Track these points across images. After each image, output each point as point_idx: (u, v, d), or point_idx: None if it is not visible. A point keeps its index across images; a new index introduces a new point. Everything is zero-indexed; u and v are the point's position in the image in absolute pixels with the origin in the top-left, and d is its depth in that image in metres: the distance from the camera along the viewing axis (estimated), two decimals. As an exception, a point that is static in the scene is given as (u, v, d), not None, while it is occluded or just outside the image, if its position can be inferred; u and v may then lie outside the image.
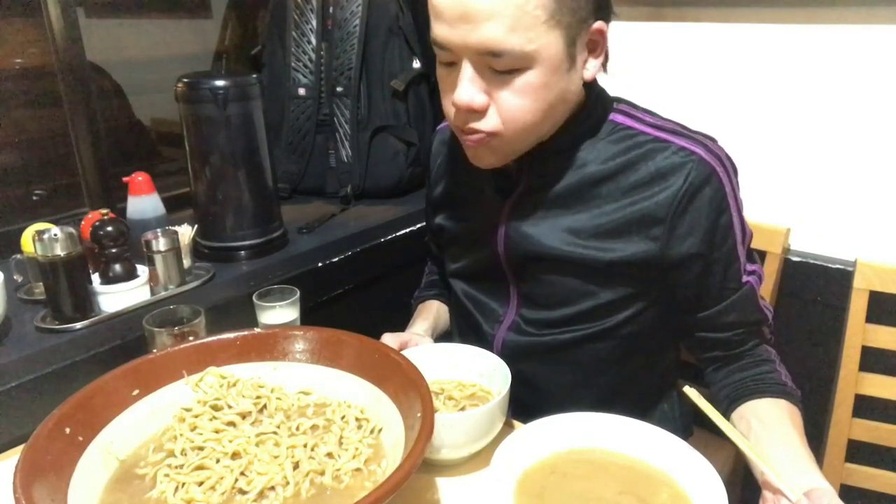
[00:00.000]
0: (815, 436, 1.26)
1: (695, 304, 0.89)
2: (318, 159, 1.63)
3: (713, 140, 0.86)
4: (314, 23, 1.57)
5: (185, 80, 1.22)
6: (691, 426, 1.06)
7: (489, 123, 0.79)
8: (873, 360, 1.12)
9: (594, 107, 0.87)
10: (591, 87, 0.86)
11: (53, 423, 0.69)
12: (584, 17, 0.77)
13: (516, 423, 0.89)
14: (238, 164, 1.25)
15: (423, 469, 0.79)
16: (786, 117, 1.24)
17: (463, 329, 1.06)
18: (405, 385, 0.75)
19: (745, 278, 0.87)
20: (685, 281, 0.87)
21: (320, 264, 1.34)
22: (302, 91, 1.59)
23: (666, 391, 1.03)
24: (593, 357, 0.94)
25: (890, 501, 1.15)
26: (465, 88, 0.77)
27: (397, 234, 1.49)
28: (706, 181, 0.81)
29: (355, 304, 1.44)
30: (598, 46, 0.81)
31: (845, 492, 1.17)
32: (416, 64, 1.61)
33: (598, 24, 0.79)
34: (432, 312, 1.13)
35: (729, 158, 0.85)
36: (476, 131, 0.80)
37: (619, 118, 0.87)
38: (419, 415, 0.68)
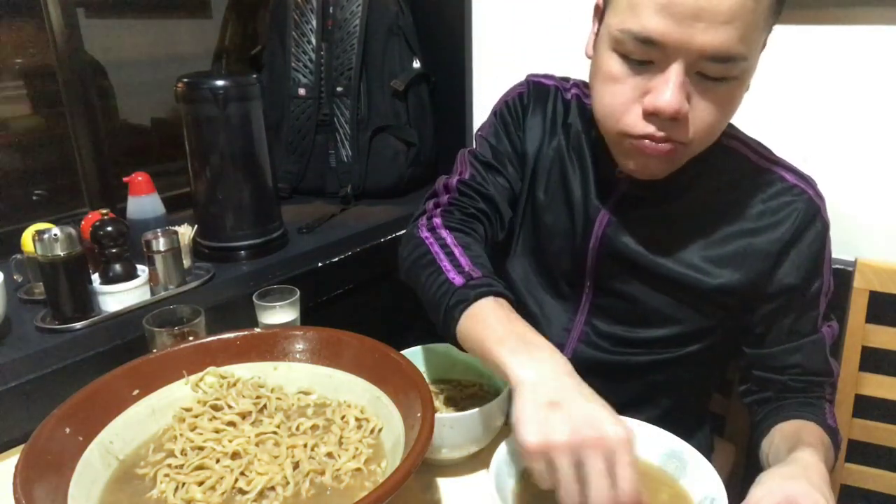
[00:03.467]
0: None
1: (763, 338, 0.86)
2: (318, 159, 1.63)
3: (811, 178, 0.85)
4: (314, 23, 1.57)
5: (185, 80, 1.22)
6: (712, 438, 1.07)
7: (680, 134, 0.71)
8: (873, 361, 1.12)
9: None
10: None
11: (53, 423, 0.68)
12: (774, 23, 0.72)
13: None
14: (238, 164, 1.25)
15: (423, 469, 0.79)
16: (785, 117, 1.24)
17: None
18: (405, 385, 0.75)
19: (821, 327, 0.85)
20: (765, 313, 0.84)
21: (320, 264, 1.34)
22: (302, 91, 1.59)
23: (704, 414, 1.05)
24: (663, 380, 0.92)
25: (890, 501, 1.15)
26: (676, 94, 0.68)
27: (397, 234, 1.49)
28: (812, 220, 0.81)
29: (355, 304, 1.44)
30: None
31: (845, 492, 1.17)
32: (416, 64, 1.61)
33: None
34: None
35: (823, 197, 0.84)
36: (668, 140, 0.72)
37: (734, 144, 0.84)
38: (419, 415, 0.68)
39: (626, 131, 0.73)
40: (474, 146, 0.97)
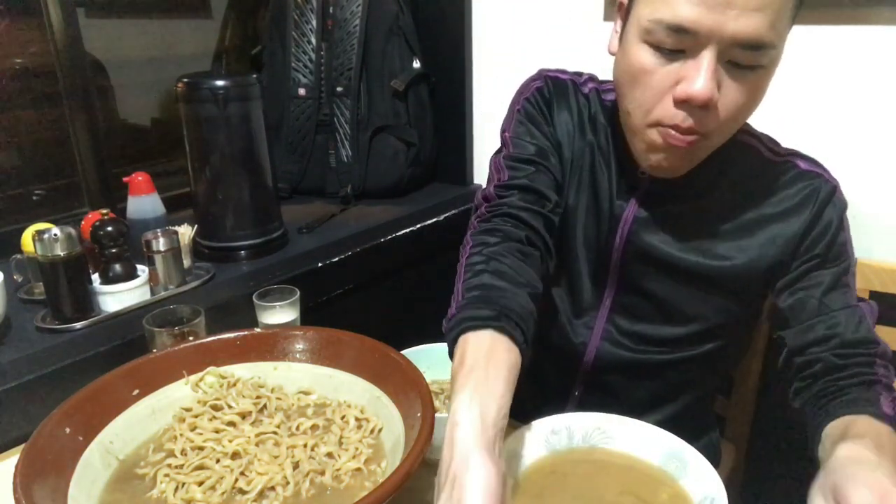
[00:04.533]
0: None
1: (795, 314, 0.82)
2: (318, 159, 1.63)
3: (823, 165, 0.86)
4: (314, 23, 1.57)
5: (185, 80, 1.22)
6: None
7: (710, 123, 0.72)
8: (873, 360, 1.12)
9: None
10: None
11: (53, 423, 0.69)
12: (796, 14, 0.72)
13: (516, 423, 0.89)
14: (238, 164, 1.25)
15: (424, 469, 0.79)
16: (785, 117, 1.24)
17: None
18: (405, 385, 0.75)
19: (856, 302, 0.81)
20: (792, 289, 0.82)
21: (320, 264, 1.34)
22: (302, 91, 1.59)
23: (713, 415, 1.07)
24: (680, 379, 0.93)
25: (890, 501, 1.15)
26: (708, 81, 0.68)
27: (397, 234, 1.49)
28: (830, 199, 0.82)
29: (355, 304, 1.44)
30: None
31: (845, 492, 1.17)
32: (416, 64, 1.61)
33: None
34: (508, 364, 0.65)
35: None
36: (694, 131, 0.72)
37: (747, 139, 0.86)
38: (419, 415, 0.68)
39: (657, 121, 0.73)
40: (503, 148, 0.92)
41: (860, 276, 1.09)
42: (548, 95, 0.91)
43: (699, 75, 0.68)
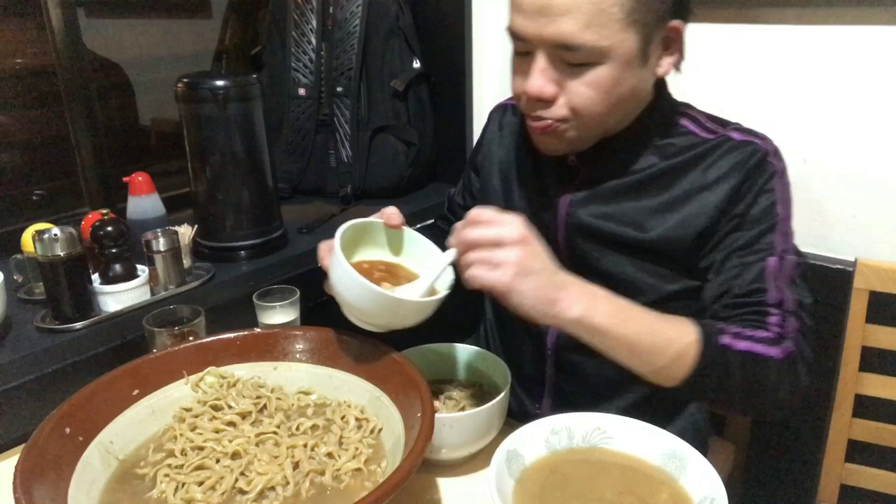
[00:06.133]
0: (815, 436, 1.26)
1: (710, 275, 0.85)
2: (318, 159, 1.63)
3: (769, 138, 0.88)
4: (314, 23, 1.57)
5: (185, 80, 1.22)
6: (711, 430, 1.06)
7: (556, 113, 0.81)
8: (873, 361, 1.12)
9: (663, 109, 0.89)
10: (661, 90, 0.89)
11: (53, 423, 0.69)
12: (661, 16, 0.78)
13: (516, 423, 0.89)
14: (238, 164, 1.25)
15: (423, 469, 0.79)
16: (786, 117, 1.24)
17: (503, 317, 1.05)
18: (405, 385, 0.75)
19: (771, 258, 0.82)
20: (716, 254, 0.85)
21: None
22: (302, 91, 1.59)
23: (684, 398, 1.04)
24: None
25: (890, 501, 1.15)
26: (537, 79, 0.79)
27: (397, 234, 1.49)
28: (760, 163, 0.84)
29: (355, 304, 1.43)
30: (672, 44, 0.83)
31: (845, 492, 1.17)
32: (416, 64, 1.61)
33: (675, 23, 0.80)
34: None
35: (781, 154, 0.87)
36: (542, 119, 0.82)
37: (684, 121, 0.89)
38: (419, 415, 0.68)
39: (524, 111, 0.85)
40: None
41: (860, 275, 1.09)
42: (484, 129, 1.08)
43: (530, 74, 0.80)
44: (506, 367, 0.87)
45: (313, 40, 1.57)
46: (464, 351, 0.93)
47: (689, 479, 0.68)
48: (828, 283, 1.21)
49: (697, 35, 1.30)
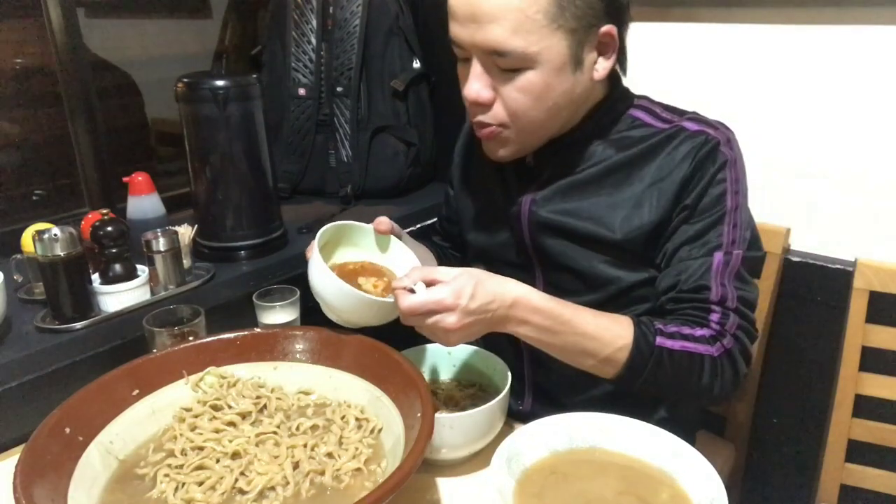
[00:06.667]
0: (815, 436, 1.26)
1: (662, 267, 0.87)
2: (318, 159, 1.63)
3: (726, 126, 0.88)
4: (314, 23, 1.57)
5: (185, 80, 1.22)
6: (698, 424, 1.06)
7: (495, 117, 0.84)
8: (873, 360, 1.12)
9: (615, 104, 0.90)
10: (615, 86, 0.90)
11: (53, 423, 0.69)
12: (591, 22, 0.80)
13: (516, 423, 0.89)
14: (238, 164, 1.25)
15: (423, 469, 0.79)
16: (786, 117, 1.24)
17: None
18: (405, 385, 0.75)
19: (716, 252, 0.83)
20: (667, 244, 0.86)
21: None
22: (302, 91, 1.59)
23: None
24: None
25: (890, 501, 1.15)
26: (473, 83, 0.82)
27: (397, 234, 1.49)
28: (712, 152, 0.84)
29: (355, 304, 1.44)
30: (608, 48, 0.84)
31: (845, 492, 1.17)
32: (416, 64, 1.61)
33: (608, 28, 0.81)
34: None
35: (735, 143, 0.87)
36: (485, 124, 0.85)
37: (638, 114, 0.90)
38: (419, 415, 0.68)
39: (471, 118, 0.88)
40: None
41: (860, 275, 1.09)
42: (455, 141, 1.11)
43: (468, 79, 0.83)
44: (506, 367, 0.87)
45: (313, 40, 1.57)
46: (463, 351, 0.93)
47: (689, 479, 0.68)
48: (828, 283, 1.21)
49: (698, 35, 1.30)
